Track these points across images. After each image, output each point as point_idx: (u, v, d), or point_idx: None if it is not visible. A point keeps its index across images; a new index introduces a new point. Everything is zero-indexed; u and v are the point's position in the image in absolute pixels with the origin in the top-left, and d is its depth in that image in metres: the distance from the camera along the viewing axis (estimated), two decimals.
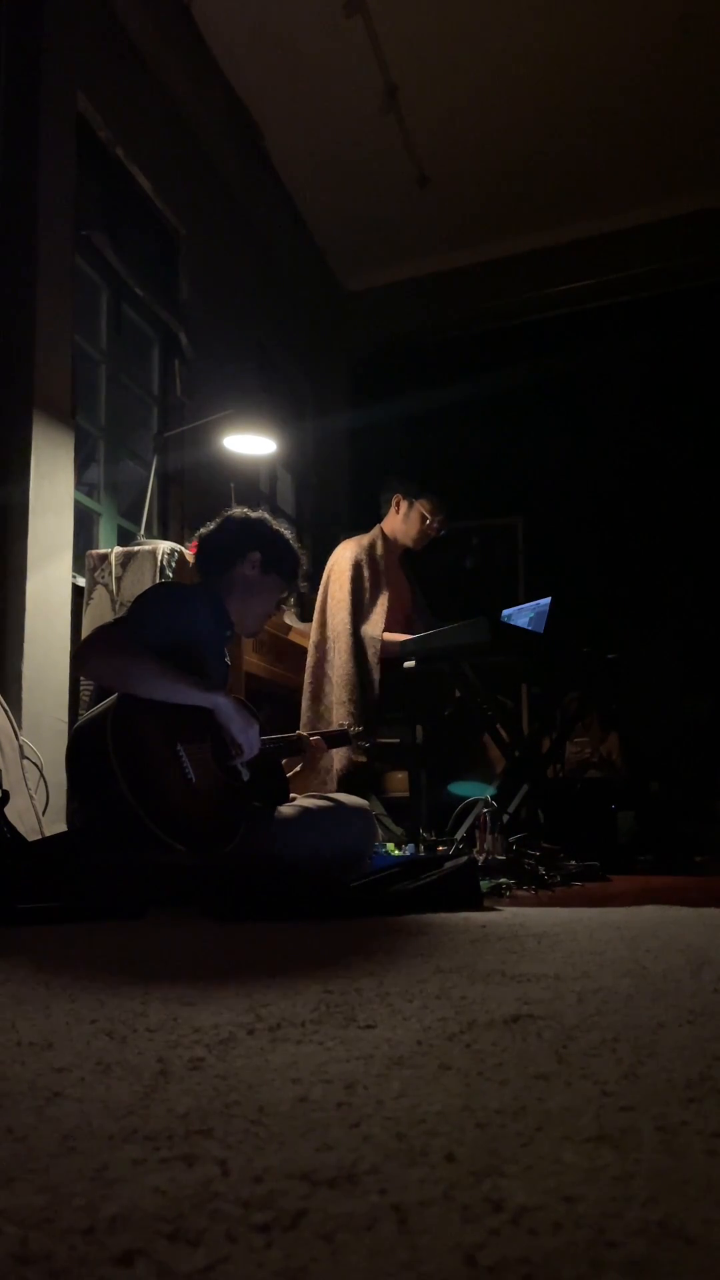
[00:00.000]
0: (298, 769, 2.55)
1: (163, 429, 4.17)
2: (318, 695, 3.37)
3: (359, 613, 3.35)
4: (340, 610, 3.35)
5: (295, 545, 2.39)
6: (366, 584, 3.41)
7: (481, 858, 2.65)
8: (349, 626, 3.30)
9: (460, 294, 5.73)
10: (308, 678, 3.41)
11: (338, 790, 3.03)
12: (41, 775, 2.80)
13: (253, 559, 2.29)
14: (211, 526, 2.38)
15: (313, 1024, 0.84)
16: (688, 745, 4.85)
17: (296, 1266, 0.39)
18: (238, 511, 2.41)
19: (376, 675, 3.24)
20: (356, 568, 3.41)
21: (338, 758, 3.21)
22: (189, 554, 3.22)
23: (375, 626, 3.31)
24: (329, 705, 3.31)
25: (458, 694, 3.43)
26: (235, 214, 4.84)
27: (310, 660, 3.43)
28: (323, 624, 3.43)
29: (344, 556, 3.46)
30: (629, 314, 5.50)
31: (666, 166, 4.96)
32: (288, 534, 2.39)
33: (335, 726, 3.04)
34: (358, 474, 5.83)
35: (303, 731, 2.61)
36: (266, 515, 2.42)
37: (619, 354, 5.43)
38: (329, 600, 3.43)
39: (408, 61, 4.24)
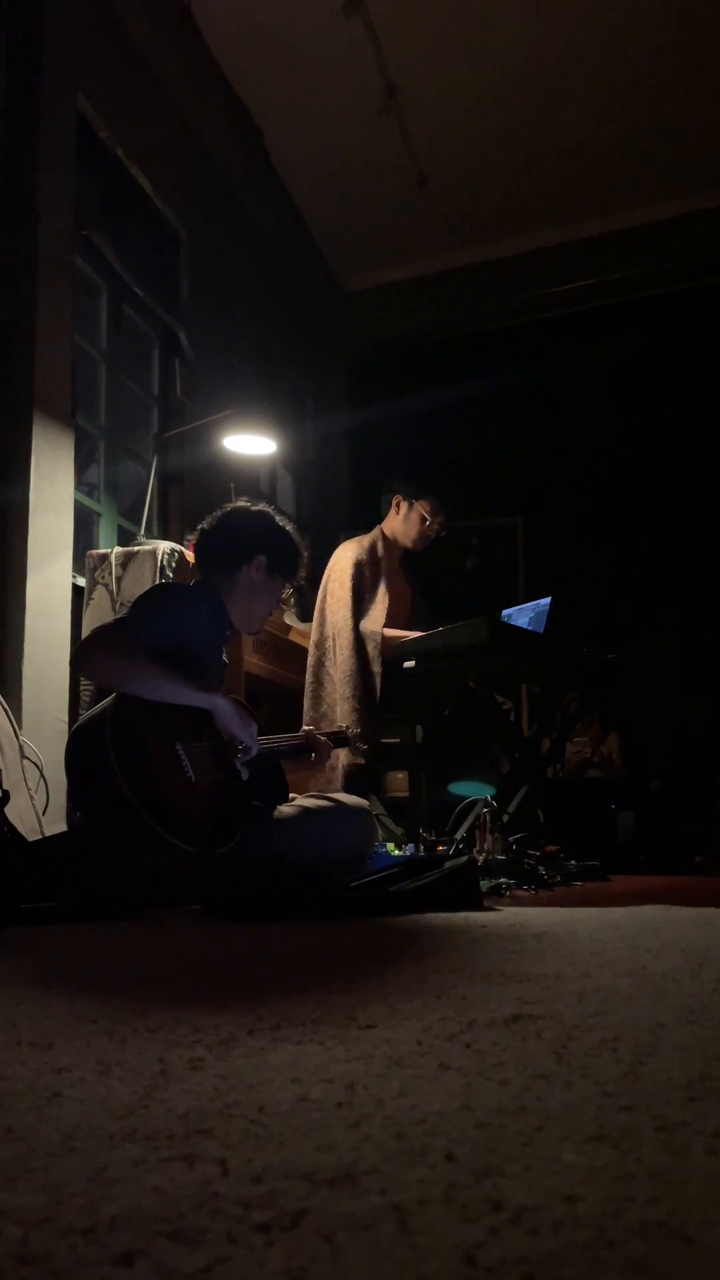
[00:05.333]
0: (312, 767, 2.53)
1: (163, 429, 4.17)
2: (319, 694, 3.37)
3: (359, 610, 3.34)
4: (340, 608, 3.35)
5: (298, 540, 2.33)
6: (367, 583, 3.41)
7: (481, 858, 2.65)
8: (349, 623, 3.30)
9: (460, 294, 5.73)
10: (309, 677, 3.41)
11: (342, 789, 3.02)
12: (41, 775, 2.80)
13: (259, 563, 2.24)
14: (213, 523, 2.30)
15: (313, 1024, 0.84)
16: (688, 745, 4.85)
17: (296, 1266, 0.39)
18: (240, 506, 2.34)
19: (377, 670, 3.23)
20: (357, 567, 3.41)
21: (342, 756, 3.21)
22: (189, 554, 3.22)
23: (375, 622, 3.31)
24: (331, 704, 3.31)
25: (459, 693, 3.42)
26: (235, 214, 4.84)
27: (311, 659, 3.43)
28: (322, 623, 3.44)
29: (344, 557, 3.47)
30: (629, 314, 5.50)
31: (667, 166, 4.96)
32: (290, 528, 2.32)
33: (335, 727, 3.04)
34: (358, 474, 5.83)
35: (307, 728, 2.60)
36: (268, 509, 2.34)
37: (619, 354, 5.43)
38: (329, 599, 3.43)
39: (408, 61, 4.24)
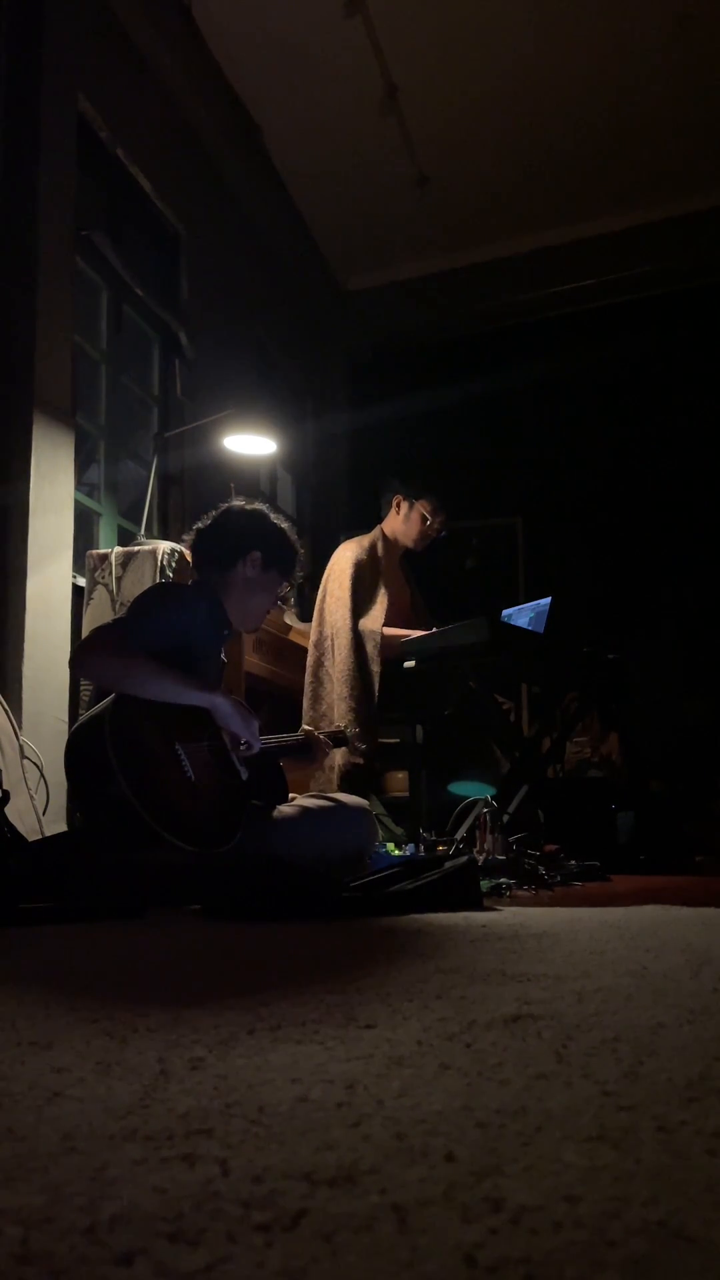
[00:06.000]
0: (310, 766, 2.53)
1: (163, 429, 4.17)
2: (318, 694, 3.37)
3: (358, 609, 3.35)
4: (339, 607, 3.36)
5: (293, 537, 2.36)
6: (366, 582, 3.42)
7: (481, 858, 2.65)
8: (348, 622, 3.30)
9: (460, 294, 5.73)
10: (308, 677, 3.41)
11: (339, 789, 3.02)
12: (41, 775, 2.80)
13: (253, 559, 2.26)
14: (209, 522, 2.33)
15: (313, 1024, 0.84)
16: (688, 745, 4.85)
17: (296, 1266, 0.39)
18: (235, 505, 2.36)
19: (376, 669, 3.24)
20: (358, 566, 3.42)
21: (339, 755, 3.21)
22: (189, 554, 3.22)
23: (374, 621, 3.31)
24: (330, 704, 3.31)
25: (459, 693, 3.42)
26: (235, 214, 4.84)
27: (310, 659, 3.43)
28: (321, 622, 3.44)
29: (344, 556, 3.47)
30: (629, 314, 5.50)
31: (666, 166, 4.96)
32: (285, 526, 2.35)
33: (334, 727, 3.04)
34: (357, 474, 5.83)
35: (306, 728, 2.60)
36: (263, 507, 2.37)
37: (619, 354, 5.43)
38: (328, 598, 3.43)
39: (408, 61, 4.24)
